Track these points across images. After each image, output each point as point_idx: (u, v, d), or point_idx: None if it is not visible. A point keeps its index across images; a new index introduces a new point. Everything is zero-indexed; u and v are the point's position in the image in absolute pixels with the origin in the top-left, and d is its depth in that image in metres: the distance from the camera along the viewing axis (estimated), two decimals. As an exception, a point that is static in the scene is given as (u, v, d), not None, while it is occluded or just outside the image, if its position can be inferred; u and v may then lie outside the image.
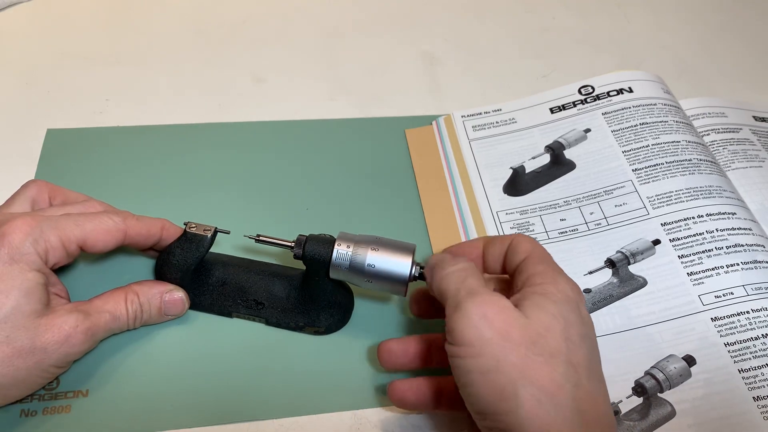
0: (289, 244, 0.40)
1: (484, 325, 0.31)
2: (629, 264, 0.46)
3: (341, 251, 0.38)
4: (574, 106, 0.57)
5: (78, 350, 0.36)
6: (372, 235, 0.39)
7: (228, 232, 0.42)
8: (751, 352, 0.40)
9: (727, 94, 0.63)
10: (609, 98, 0.56)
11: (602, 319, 0.44)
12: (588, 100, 0.57)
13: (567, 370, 0.31)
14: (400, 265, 0.38)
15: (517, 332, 0.31)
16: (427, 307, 0.41)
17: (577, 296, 0.34)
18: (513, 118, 0.57)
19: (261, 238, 0.41)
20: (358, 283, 0.39)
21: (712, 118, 0.58)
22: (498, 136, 0.56)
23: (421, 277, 0.39)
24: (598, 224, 0.49)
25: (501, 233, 0.49)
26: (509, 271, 0.37)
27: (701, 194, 0.48)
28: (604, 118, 0.55)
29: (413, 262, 0.38)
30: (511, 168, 0.53)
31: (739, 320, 0.42)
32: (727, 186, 0.50)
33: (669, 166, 0.50)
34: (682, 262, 0.45)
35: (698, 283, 0.44)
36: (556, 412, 0.30)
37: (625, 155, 0.52)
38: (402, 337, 0.40)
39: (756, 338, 0.41)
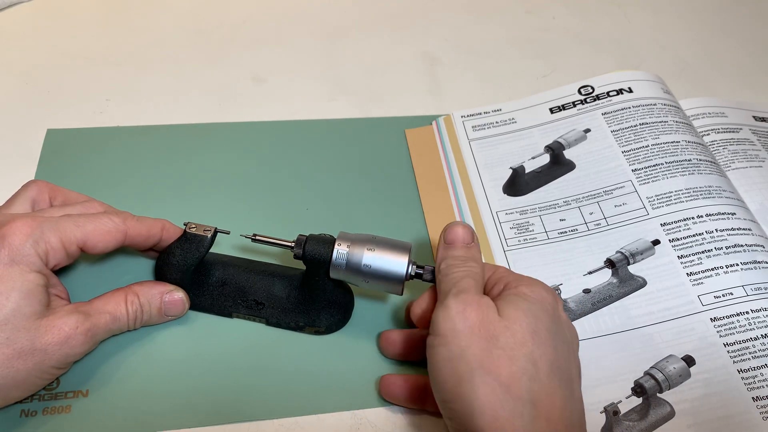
0: (286, 243, 0.40)
1: (459, 318, 0.33)
2: (629, 264, 0.46)
3: (341, 251, 0.38)
4: (574, 106, 0.57)
5: (78, 351, 0.36)
6: (368, 234, 0.40)
7: (228, 233, 0.42)
8: (750, 353, 0.40)
9: (727, 94, 0.63)
10: (609, 98, 0.56)
11: (602, 319, 0.44)
12: (588, 100, 0.57)
13: (526, 364, 0.32)
14: (397, 264, 0.38)
15: (486, 326, 0.33)
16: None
17: (552, 299, 0.36)
18: (513, 118, 0.57)
19: (257, 237, 0.41)
20: (355, 283, 0.39)
21: (712, 118, 0.58)
22: (498, 136, 0.56)
23: (418, 276, 0.39)
24: (597, 224, 0.49)
25: (501, 233, 0.49)
26: (487, 287, 0.39)
27: (701, 194, 0.48)
28: (604, 118, 0.55)
29: (410, 261, 0.38)
30: (510, 168, 0.53)
31: (738, 320, 0.42)
32: (726, 186, 0.50)
33: (669, 167, 0.50)
34: (681, 263, 0.45)
35: (698, 284, 0.44)
36: (508, 401, 0.31)
37: (624, 155, 0.52)
38: (404, 330, 0.42)
39: (755, 338, 0.41)
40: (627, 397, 0.40)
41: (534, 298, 0.35)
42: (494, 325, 0.33)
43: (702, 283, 0.44)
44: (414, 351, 0.41)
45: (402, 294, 0.39)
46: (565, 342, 0.35)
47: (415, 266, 0.39)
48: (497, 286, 0.37)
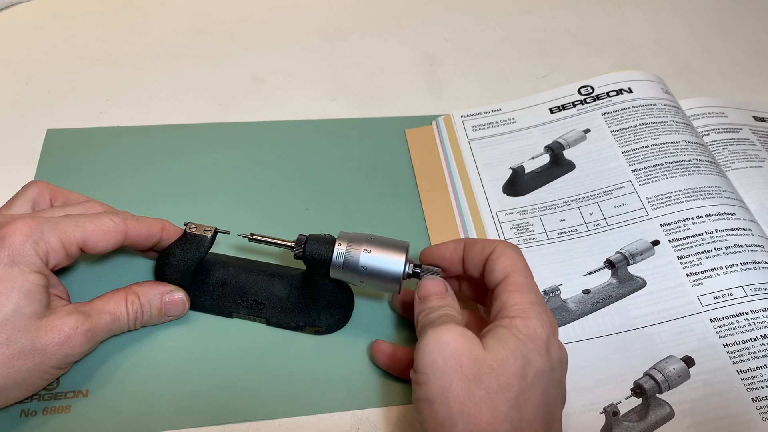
0: (284, 243, 0.40)
1: (437, 351, 0.32)
2: (628, 265, 0.46)
3: (341, 251, 0.38)
4: (574, 106, 0.57)
5: (78, 351, 0.36)
6: (365, 233, 0.40)
7: (228, 233, 0.42)
8: (750, 353, 0.41)
9: (727, 94, 0.63)
10: (608, 98, 0.56)
11: (601, 320, 0.44)
12: (588, 100, 0.57)
13: (510, 409, 0.31)
14: (394, 263, 0.38)
15: (468, 364, 0.31)
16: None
17: (547, 332, 0.34)
18: (513, 118, 0.57)
19: (254, 236, 0.41)
20: (353, 282, 0.40)
21: (712, 118, 0.58)
22: (497, 136, 0.56)
23: (414, 275, 0.39)
24: (597, 225, 0.49)
25: (501, 233, 0.49)
26: (488, 286, 0.37)
27: (701, 195, 0.48)
28: (604, 118, 0.55)
29: (407, 260, 0.38)
30: (510, 168, 0.53)
31: (738, 321, 0.42)
32: (726, 186, 0.50)
33: (668, 167, 0.50)
34: (681, 263, 0.45)
35: (697, 284, 0.44)
36: None
37: (624, 155, 0.52)
38: (394, 344, 0.41)
39: (755, 339, 0.41)
40: (626, 398, 0.40)
41: (526, 336, 0.33)
42: (478, 363, 0.31)
43: (702, 283, 0.44)
44: (399, 366, 0.40)
45: (399, 293, 0.39)
46: (555, 381, 0.33)
47: (412, 265, 0.39)
48: (497, 303, 0.35)
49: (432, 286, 0.37)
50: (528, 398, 0.31)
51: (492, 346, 0.32)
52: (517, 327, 0.33)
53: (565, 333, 0.43)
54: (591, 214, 0.49)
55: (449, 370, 0.31)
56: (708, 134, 0.56)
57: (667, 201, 0.48)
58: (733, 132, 0.57)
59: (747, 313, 0.42)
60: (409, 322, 0.44)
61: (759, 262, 0.44)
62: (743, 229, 0.46)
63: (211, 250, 0.41)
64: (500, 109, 0.58)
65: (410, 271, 0.39)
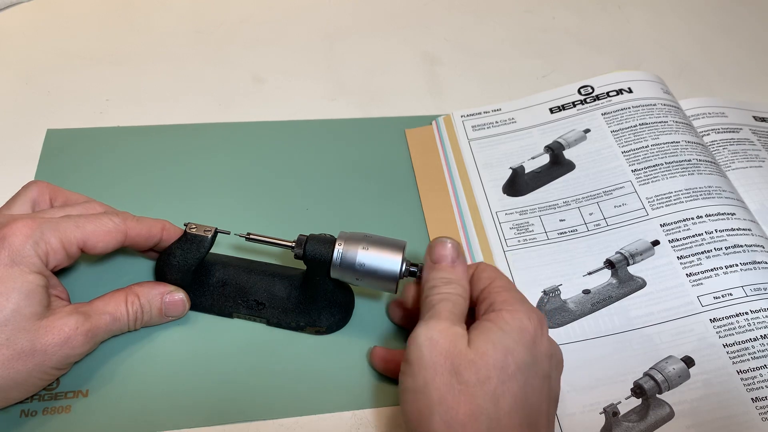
0: (282, 242, 0.40)
1: (426, 347, 0.33)
2: (628, 265, 0.46)
3: (341, 250, 0.38)
4: (574, 106, 0.57)
5: (78, 352, 0.36)
6: (362, 232, 0.40)
7: (228, 233, 0.42)
8: (749, 353, 0.41)
9: (727, 94, 0.63)
10: (608, 98, 0.56)
11: (601, 320, 0.44)
12: (588, 100, 0.57)
13: (487, 402, 0.31)
14: (391, 262, 0.38)
15: (452, 358, 0.32)
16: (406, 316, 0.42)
17: (534, 326, 0.34)
18: (513, 118, 0.57)
19: (251, 236, 0.41)
20: (351, 281, 0.40)
21: (712, 118, 0.58)
22: (497, 136, 0.56)
23: (411, 274, 0.39)
24: (597, 225, 0.49)
25: (500, 233, 0.49)
26: (474, 299, 0.38)
27: (701, 195, 0.48)
28: (604, 118, 0.55)
29: (403, 260, 0.38)
30: (510, 168, 0.53)
31: (738, 321, 0.42)
32: (726, 186, 0.50)
33: (668, 167, 0.50)
34: (681, 263, 0.45)
35: (697, 284, 0.44)
36: None
37: (624, 155, 0.52)
38: (390, 349, 0.42)
39: (755, 339, 0.41)
40: (626, 398, 0.40)
41: (511, 328, 0.33)
42: (460, 357, 0.32)
43: (701, 283, 0.44)
44: (397, 369, 0.40)
45: (396, 292, 0.39)
46: (539, 375, 0.33)
47: (409, 264, 0.39)
48: (484, 303, 0.36)
49: (444, 249, 0.37)
50: (506, 390, 0.32)
51: (476, 339, 0.33)
52: (504, 319, 0.34)
53: (565, 333, 0.43)
54: (591, 214, 0.49)
55: (434, 364, 0.32)
56: (708, 134, 0.56)
57: (667, 201, 0.48)
58: (733, 132, 0.57)
59: (747, 313, 0.42)
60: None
61: (759, 262, 0.44)
62: (743, 229, 0.46)
63: (211, 251, 0.41)
64: (500, 109, 0.58)
65: (407, 271, 0.39)
